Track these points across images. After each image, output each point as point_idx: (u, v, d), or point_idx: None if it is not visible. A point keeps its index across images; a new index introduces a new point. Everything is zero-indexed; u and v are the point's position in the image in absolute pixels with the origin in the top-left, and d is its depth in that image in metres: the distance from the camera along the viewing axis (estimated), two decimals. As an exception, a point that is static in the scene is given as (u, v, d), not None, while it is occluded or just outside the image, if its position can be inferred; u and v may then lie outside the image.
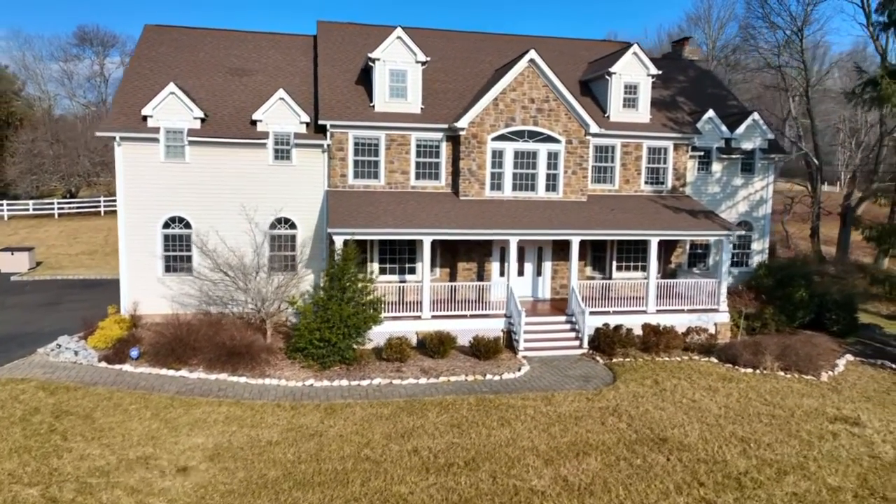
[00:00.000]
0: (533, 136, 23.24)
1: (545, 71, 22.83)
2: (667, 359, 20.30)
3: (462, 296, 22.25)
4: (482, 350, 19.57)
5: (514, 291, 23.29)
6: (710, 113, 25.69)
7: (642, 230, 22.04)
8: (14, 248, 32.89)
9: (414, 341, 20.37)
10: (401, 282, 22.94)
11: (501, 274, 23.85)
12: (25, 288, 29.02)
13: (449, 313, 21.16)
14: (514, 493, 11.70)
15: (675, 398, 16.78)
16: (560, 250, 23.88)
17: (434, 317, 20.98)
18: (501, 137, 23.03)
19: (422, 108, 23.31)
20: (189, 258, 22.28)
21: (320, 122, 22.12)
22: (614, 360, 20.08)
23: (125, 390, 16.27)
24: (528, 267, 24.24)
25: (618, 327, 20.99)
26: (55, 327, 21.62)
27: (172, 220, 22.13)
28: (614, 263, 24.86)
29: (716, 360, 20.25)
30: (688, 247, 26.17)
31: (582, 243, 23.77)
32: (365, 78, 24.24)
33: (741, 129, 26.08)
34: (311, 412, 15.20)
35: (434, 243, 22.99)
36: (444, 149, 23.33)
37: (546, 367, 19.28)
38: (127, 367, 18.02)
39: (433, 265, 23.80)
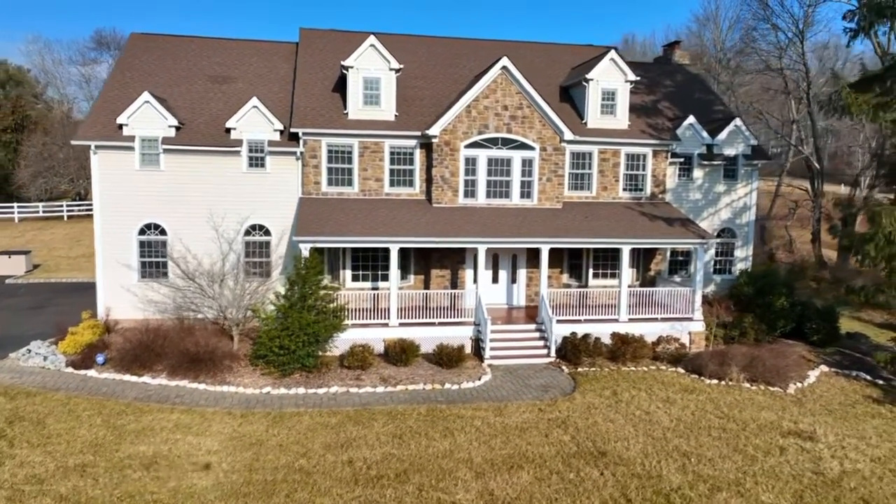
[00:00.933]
0: (507, 143, 23.21)
1: (518, 78, 22.78)
2: (633, 369, 20.16)
3: (436, 303, 22.34)
4: (445, 358, 19.61)
5: (486, 299, 23.34)
6: (691, 119, 25.42)
7: (614, 238, 21.89)
8: (11, 252, 33.69)
9: (381, 349, 20.46)
10: (373, 289, 23.08)
11: (475, 281, 23.82)
12: (19, 291, 29.73)
13: (416, 321, 21.23)
14: (439, 507, 11.76)
15: (629, 410, 16.66)
16: (534, 257, 23.76)
17: (402, 324, 21.06)
18: (474, 145, 23.04)
19: (396, 116, 23.42)
20: (165, 264, 22.64)
21: (292, 129, 22.34)
22: (579, 369, 19.99)
23: (84, 396, 16.62)
24: (503, 274, 24.21)
25: (585, 336, 20.87)
26: (36, 331, 22.06)
27: (148, 226, 22.52)
28: (590, 271, 24.73)
29: (682, 371, 20.06)
30: (668, 254, 25.92)
31: (557, 251, 23.79)
32: (342, 85, 24.39)
33: (723, 134, 25.76)
34: (259, 420, 15.39)
35: (407, 250, 23.14)
36: (418, 156, 23.42)
37: (509, 376, 19.26)
38: (92, 373, 18.40)
39: (407, 272, 23.94)
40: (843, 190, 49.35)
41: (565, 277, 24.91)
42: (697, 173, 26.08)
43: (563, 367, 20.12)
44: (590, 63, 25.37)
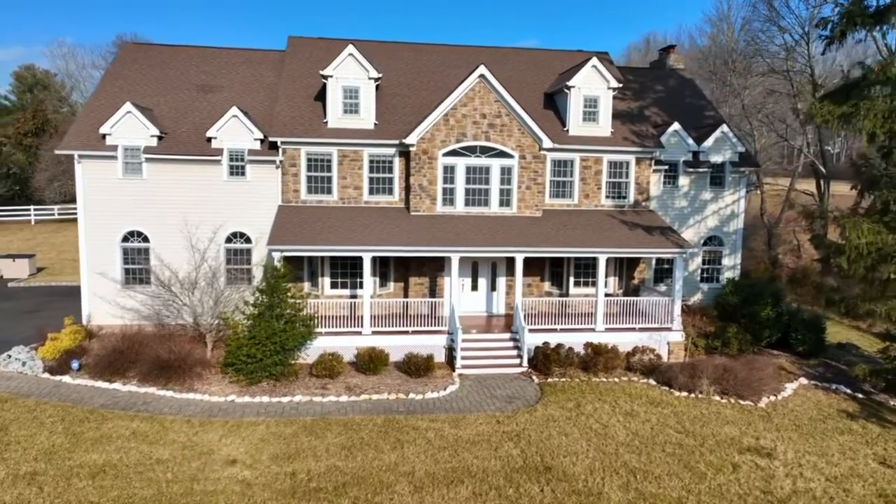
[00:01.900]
0: (485, 151, 23.20)
1: (496, 86, 22.75)
2: (604, 379, 20.02)
3: (415, 311, 22.44)
4: (413, 368, 19.68)
5: (466, 307, 23.57)
6: (676, 126, 25.12)
7: (589, 247, 21.72)
8: (16, 255, 34.61)
9: (353, 357, 20.57)
10: (352, 296, 23.25)
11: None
12: (19, 294, 30.52)
13: (389, 329, 21.33)
14: (370, 521, 11.83)
15: (588, 423, 16.56)
16: (514, 265, 23.69)
17: (375, 332, 21.18)
18: (453, 153, 23.07)
19: (375, 124, 23.54)
20: (148, 271, 23.09)
21: (271, 138, 22.60)
22: (549, 379, 19.90)
23: (53, 402, 17.04)
24: (482, 282, 24.19)
25: (558, 346, 20.77)
26: (25, 335, 22.65)
27: (131, 234, 22.98)
28: (571, 279, 24.59)
29: (653, 383, 19.86)
30: (653, 262, 25.66)
31: (538, 259, 23.69)
32: (324, 94, 24.50)
33: (709, 141, 25.42)
34: (215, 429, 15.63)
35: (387, 258, 23.25)
36: (398, 164, 23.52)
37: (477, 386, 19.25)
38: (66, 379, 18.85)
39: (387, 279, 24.08)
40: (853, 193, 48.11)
41: (547, 285, 24.80)
42: (683, 181, 25.76)
43: (534, 378, 20.06)
44: (572, 70, 25.22)
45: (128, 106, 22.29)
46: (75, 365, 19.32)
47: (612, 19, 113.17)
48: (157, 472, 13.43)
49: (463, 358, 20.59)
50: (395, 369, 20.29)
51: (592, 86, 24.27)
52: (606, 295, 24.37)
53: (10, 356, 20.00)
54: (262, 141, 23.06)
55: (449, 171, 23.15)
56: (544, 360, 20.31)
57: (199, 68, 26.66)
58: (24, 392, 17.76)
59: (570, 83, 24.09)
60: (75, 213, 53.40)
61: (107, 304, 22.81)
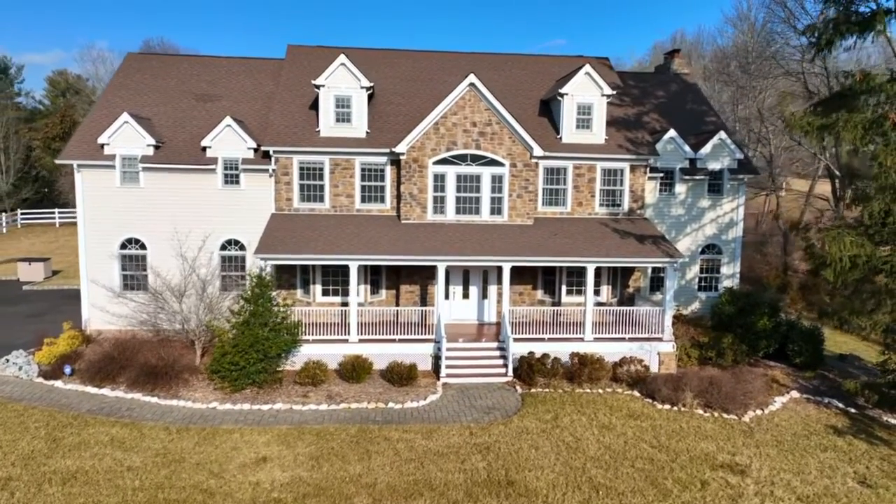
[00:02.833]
0: (476, 159, 23.21)
1: (486, 94, 22.75)
2: (588, 390, 19.89)
3: (405, 319, 22.56)
4: (396, 376, 19.79)
5: (457, 315, 23.77)
6: (672, 133, 24.82)
7: (576, 256, 21.58)
8: (31, 259, 35.63)
9: (338, 365, 20.77)
10: (343, 304, 23.46)
11: (446, 297, 23.96)
12: (31, 297, 31.44)
13: (376, 337, 21.49)
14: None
15: (562, 436, 16.48)
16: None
17: (362, 340, 21.36)
18: (443, 161, 23.13)
19: (367, 133, 23.73)
20: (145, 277, 23.63)
21: (264, 148, 22.94)
22: (532, 390, 19.85)
23: (41, 407, 17.57)
24: (474, 290, 24.21)
25: (544, 356, 20.70)
26: (28, 339, 23.28)
27: (129, 241, 23.54)
28: (563, 287, 24.45)
29: (638, 395, 19.68)
30: (649, 271, 25.37)
31: (531, 267, 23.62)
32: (318, 103, 24.85)
33: (707, 148, 25.05)
34: (191, 437, 15.95)
35: (378, 266, 23.41)
36: (389, 172, 23.66)
37: (459, 396, 19.29)
38: (59, 384, 19.41)
39: (379, 287, 24.26)
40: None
41: (539, 294, 24.70)
42: (680, 188, 25.42)
43: (518, 388, 20.02)
44: (566, 77, 25.07)
45: (125, 116, 22.84)
46: (68, 370, 19.87)
47: (642, 18, 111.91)
48: (126, 480, 13.77)
49: (448, 367, 20.65)
50: (379, 377, 20.43)
51: (586, 93, 24.10)
52: (599, 304, 24.31)
53: (7, 360, 20.64)
54: (255, 150, 23.42)
55: (439, 179, 23.23)
56: (528, 370, 20.25)
57: (201, 77, 27.16)
58: (17, 396, 18.33)
59: (562, 90, 23.97)
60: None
61: (105, 310, 23.40)
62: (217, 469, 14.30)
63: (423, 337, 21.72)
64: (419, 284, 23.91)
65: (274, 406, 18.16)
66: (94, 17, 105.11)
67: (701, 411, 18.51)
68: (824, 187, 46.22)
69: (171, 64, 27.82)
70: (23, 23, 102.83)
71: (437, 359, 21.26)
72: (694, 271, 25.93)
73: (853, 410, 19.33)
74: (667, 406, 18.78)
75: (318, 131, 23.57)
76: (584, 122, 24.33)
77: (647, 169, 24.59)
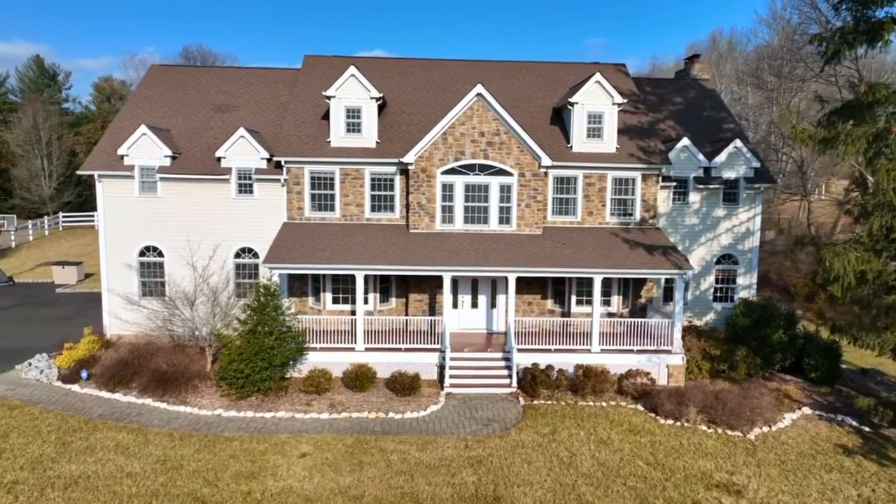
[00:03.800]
0: (484, 169, 23.25)
1: (493, 104, 22.77)
2: (591, 403, 19.74)
3: (414, 327, 22.76)
4: (399, 386, 19.97)
5: (466, 324, 23.92)
6: (685, 141, 24.43)
7: (583, 268, 21.43)
8: (65, 262, 37.01)
9: (342, 374, 21.04)
10: (352, 312, 23.75)
11: (455, 306, 24.07)
12: (62, 300, 32.66)
13: (382, 346, 21.69)
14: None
15: (557, 451, 16.42)
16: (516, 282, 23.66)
17: (368, 349, 21.60)
18: (451, 171, 23.24)
19: (377, 143, 23.98)
20: (162, 284, 24.34)
21: (276, 158, 23.39)
22: (535, 402, 19.80)
23: (56, 411, 18.28)
24: (482, 299, 24.24)
25: (548, 367, 20.63)
26: (53, 342, 24.26)
27: (147, 248, 24.29)
28: (573, 298, 24.28)
29: (641, 409, 19.44)
30: (662, 281, 25.01)
31: (538, 277, 23.55)
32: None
33: (722, 156, 24.58)
34: (193, 444, 16.41)
35: (388, 274, 23.63)
36: (398, 182, 23.87)
37: (460, 407, 19.36)
38: (75, 388, 20.15)
39: (389, 295, 24.50)
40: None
41: (549, 303, 24.60)
42: (694, 197, 25.00)
43: (520, 399, 19.99)
44: (578, 85, 24.90)
45: (143, 128, 23.57)
46: (84, 374, 20.62)
47: (680, 16, 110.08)
48: (124, 486, 14.26)
49: (451, 377, 20.75)
50: (384, 386, 20.63)
51: (596, 102, 23.90)
52: (610, 314, 24.10)
53: (30, 364, 21.51)
54: (268, 160, 23.90)
55: (447, 189, 23.33)
56: (532, 381, 20.20)
57: (220, 88, 27.82)
58: (35, 400, 19.11)
59: (572, 99, 23.81)
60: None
61: (124, 315, 24.16)
62: (212, 477, 14.69)
63: (429, 346, 21.83)
64: (428, 293, 24.06)
65: (277, 414, 18.53)
66: (141, 25, 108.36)
67: (704, 427, 18.20)
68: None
69: (192, 75, 28.56)
70: (77, 29, 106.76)
71: (442, 368, 21.36)
72: (709, 282, 25.46)
73: (867, 429, 18.75)
74: (669, 421, 18.52)
75: (329, 141, 23.91)
76: (594, 131, 24.13)
77: (660, 178, 24.25)
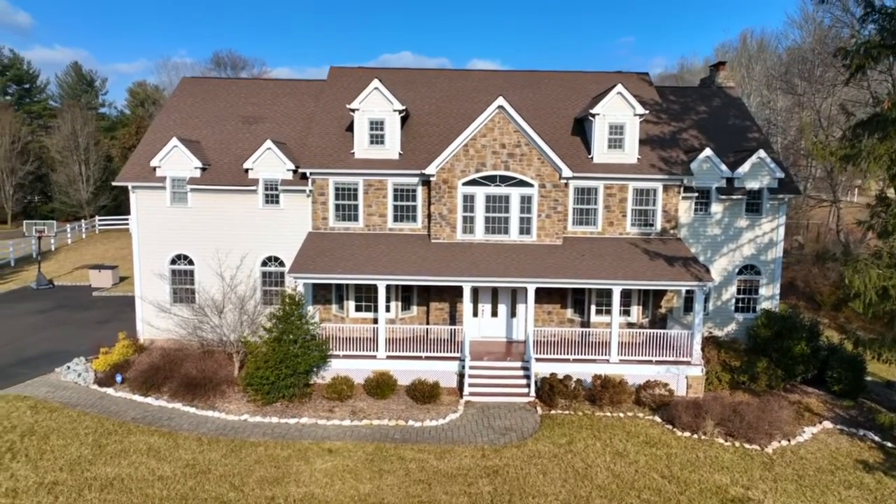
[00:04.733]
0: (505, 180, 23.59)
1: (514, 116, 23.08)
2: (608, 414, 19.95)
3: (436, 336, 23.22)
4: (419, 394, 20.42)
5: (486, 332, 24.31)
6: (707, 152, 24.44)
7: (602, 279, 21.64)
8: (101, 266, 38.26)
9: (364, 381, 21.54)
10: (375, 321, 24.27)
11: (475, 314, 24.43)
12: (98, 304, 33.83)
13: (403, 354, 22.16)
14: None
15: (573, 462, 16.69)
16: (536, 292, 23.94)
17: (389, 357, 22.09)
18: (472, 182, 23.62)
19: (400, 154, 24.47)
20: (193, 291, 25.18)
21: (301, 169, 24.04)
22: (553, 411, 20.07)
23: (93, 414, 19.13)
24: (502, 308, 24.57)
25: (566, 377, 20.89)
26: (91, 345, 25.23)
27: (178, 257, 25.14)
28: (593, 307, 24.47)
29: (659, 420, 19.59)
30: (683, 291, 25.04)
31: (558, 287, 23.78)
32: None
33: (745, 167, 24.53)
34: (220, 448, 17.07)
35: (409, 284, 24.12)
36: (421, 192, 24.33)
37: (479, 416, 19.73)
38: (110, 391, 21.02)
39: (410, 303, 24.98)
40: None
41: (569, 313, 24.82)
42: (716, 207, 24.98)
43: (538, 409, 20.28)
44: (599, 96, 25.07)
45: (174, 141, 24.41)
46: (119, 378, 21.49)
47: (712, 16, 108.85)
48: (155, 489, 14.95)
49: (470, 385, 21.14)
50: (404, 394, 21.10)
51: (618, 113, 24.05)
52: (630, 325, 24.25)
53: (69, 367, 22.46)
54: (294, 171, 24.56)
55: (469, 199, 23.72)
56: (550, 391, 20.48)
57: (247, 100, 28.60)
58: (73, 402, 20.00)
59: (594, 111, 24.00)
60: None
61: (157, 321, 25.05)
62: (238, 482, 15.31)
63: (449, 354, 22.24)
64: (448, 302, 24.48)
65: (300, 420, 19.12)
66: (174, 29, 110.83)
67: (721, 440, 18.29)
68: None
69: (222, 87, 29.40)
70: (113, 34, 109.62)
71: (461, 376, 21.76)
72: (731, 292, 25.42)
73: (890, 445, 18.64)
74: (686, 433, 18.65)
75: (353, 153, 24.48)
76: (615, 142, 24.29)
77: (681, 188, 24.31)
